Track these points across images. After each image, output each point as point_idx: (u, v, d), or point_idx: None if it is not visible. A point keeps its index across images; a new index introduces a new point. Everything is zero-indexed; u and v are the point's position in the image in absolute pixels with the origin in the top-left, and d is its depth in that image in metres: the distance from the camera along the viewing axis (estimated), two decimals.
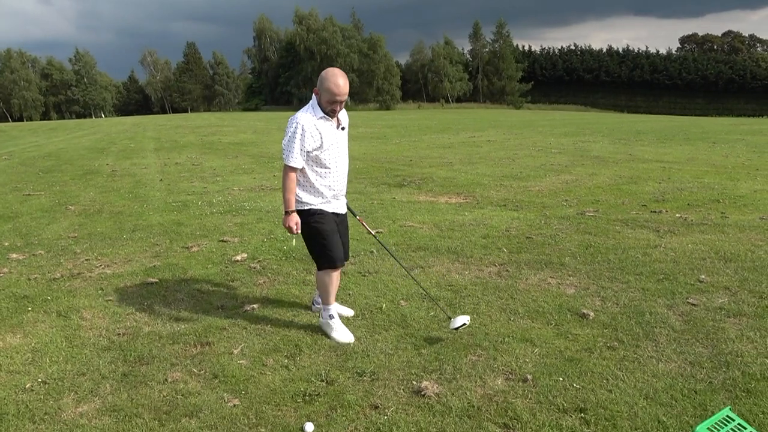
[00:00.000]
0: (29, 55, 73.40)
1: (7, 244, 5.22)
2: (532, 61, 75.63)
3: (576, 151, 12.37)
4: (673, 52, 78.16)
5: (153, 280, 3.98)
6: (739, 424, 1.75)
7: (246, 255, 4.55)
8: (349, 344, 2.86)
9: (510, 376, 2.50)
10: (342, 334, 2.92)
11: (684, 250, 4.34)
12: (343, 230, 3.09)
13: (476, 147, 13.98)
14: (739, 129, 20.69)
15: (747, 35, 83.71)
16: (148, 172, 10.47)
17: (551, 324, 3.04)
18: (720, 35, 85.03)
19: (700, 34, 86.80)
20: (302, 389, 2.44)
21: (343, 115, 2.91)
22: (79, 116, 70.79)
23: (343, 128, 2.92)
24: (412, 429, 2.14)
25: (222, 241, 5.08)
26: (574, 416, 2.18)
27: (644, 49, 78.34)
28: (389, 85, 65.54)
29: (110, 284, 3.93)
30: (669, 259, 4.12)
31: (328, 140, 2.80)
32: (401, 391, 2.41)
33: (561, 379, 2.45)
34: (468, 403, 2.30)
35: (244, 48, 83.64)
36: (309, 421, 2.20)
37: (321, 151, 2.80)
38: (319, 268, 2.98)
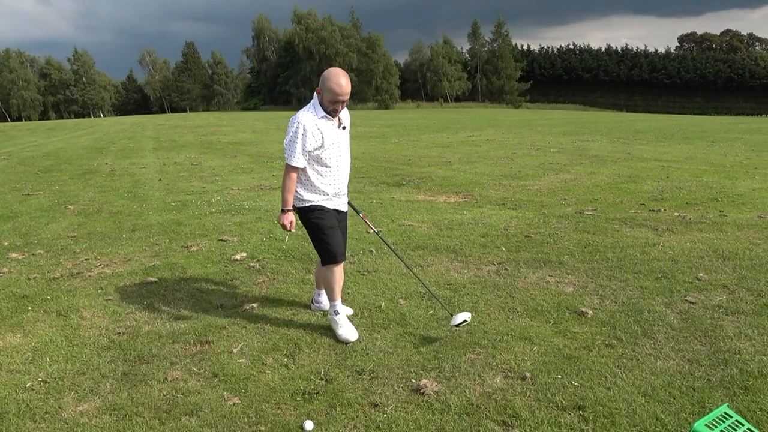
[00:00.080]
0: (28, 54, 73.39)
1: (6, 243, 5.22)
2: (531, 60, 75.65)
3: (575, 150, 12.38)
4: (672, 51, 78.27)
5: (152, 279, 3.99)
6: (736, 420, 1.76)
7: (245, 254, 4.56)
8: (351, 341, 2.87)
9: (509, 374, 2.51)
10: (348, 330, 2.92)
11: (682, 248, 4.36)
12: (343, 229, 3.10)
13: (475, 146, 13.99)
14: (738, 128, 20.73)
15: (746, 34, 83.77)
16: (147, 171, 10.47)
17: (550, 322, 3.05)
18: (719, 34, 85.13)
19: (699, 32, 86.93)
20: (302, 387, 2.45)
21: (344, 114, 2.91)
22: (77, 116, 70.71)
23: (344, 127, 2.92)
24: (411, 427, 2.15)
25: (221, 240, 5.08)
26: (572, 414, 2.19)
27: (643, 48, 78.28)
28: (388, 85, 65.53)
29: (110, 284, 3.93)
30: (667, 257, 4.13)
31: (329, 140, 2.81)
32: (400, 389, 2.42)
33: (559, 376, 2.46)
34: (467, 401, 2.30)
35: (243, 48, 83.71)
36: (308, 419, 2.20)
37: (322, 150, 2.81)
38: (323, 263, 3.01)
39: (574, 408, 2.22)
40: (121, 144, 17.67)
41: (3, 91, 68.46)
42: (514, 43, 74.06)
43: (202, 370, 2.63)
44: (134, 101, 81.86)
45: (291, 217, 2.88)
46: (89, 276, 4.13)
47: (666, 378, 2.42)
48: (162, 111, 75.59)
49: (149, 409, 2.32)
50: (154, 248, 4.88)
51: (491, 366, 2.58)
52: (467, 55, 75.01)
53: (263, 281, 3.90)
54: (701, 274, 3.72)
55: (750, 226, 5.03)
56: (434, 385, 2.42)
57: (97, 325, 3.21)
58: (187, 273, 4.13)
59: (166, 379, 2.56)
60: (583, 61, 75.16)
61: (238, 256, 4.48)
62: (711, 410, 2.07)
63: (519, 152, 12.24)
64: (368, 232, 5.12)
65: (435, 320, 3.11)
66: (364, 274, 3.95)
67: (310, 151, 2.79)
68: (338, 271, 2.97)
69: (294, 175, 2.82)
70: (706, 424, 1.72)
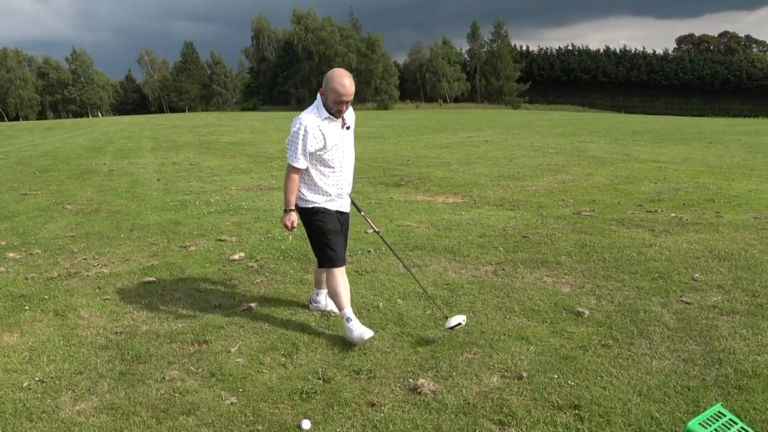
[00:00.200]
0: (25, 54, 73.17)
1: (4, 243, 5.22)
2: (530, 61, 75.74)
3: (573, 151, 12.41)
4: (670, 52, 78.46)
5: (150, 279, 3.99)
6: (730, 419, 1.77)
7: (243, 254, 4.56)
8: (367, 338, 2.76)
9: (505, 373, 2.52)
10: (362, 331, 2.80)
11: (679, 249, 4.38)
12: (345, 230, 3.11)
13: (474, 147, 14.01)
14: (735, 129, 20.80)
15: (743, 36, 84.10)
16: (145, 171, 10.46)
17: (547, 322, 3.06)
18: (716, 36, 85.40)
19: (697, 34, 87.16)
20: (299, 387, 2.45)
21: (349, 114, 2.89)
22: (75, 115, 70.57)
23: (348, 127, 2.91)
24: (408, 426, 2.16)
25: (219, 240, 5.09)
26: (568, 413, 2.20)
27: (641, 49, 78.60)
28: (387, 85, 65.51)
29: (108, 283, 3.93)
30: (664, 258, 4.15)
31: (331, 141, 2.80)
32: (398, 388, 2.43)
33: (556, 376, 2.47)
34: (464, 400, 2.31)
35: (242, 48, 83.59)
36: (306, 418, 2.21)
37: (325, 151, 2.80)
38: (320, 265, 3.01)
39: (570, 407, 2.24)
40: (119, 144, 17.64)
41: (0, 90, 68.27)
42: (513, 44, 74.15)
43: (199, 370, 2.64)
44: (133, 101, 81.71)
45: (293, 218, 2.88)
46: (87, 276, 4.13)
47: (661, 377, 2.44)
48: (160, 111, 75.47)
49: (146, 409, 2.32)
50: (152, 248, 4.88)
51: (488, 365, 2.59)
52: (466, 56, 75.08)
53: (261, 281, 3.90)
54: (697, 275, 3.74)
55: (746, 227, 5.06)
56: (431, 384, 2.43)
57: (94, 324, 3.22)
58: (186, 273, 4.13)
59: (163, 378, 2.56)
60: (582, 63, 75.30)
61: (236, 256, 4.48)
62: (705, 409, 2.08)
63: (517, 153, 12.26)
64: (367, 232, 5.13)
65: (432, 320, 3.12)
66: (362, 274, 3.96)
67: (312, 152, 2.78)
68: (341, 275, 2.92)
69: (295, 176, 2.82)
70: (700, 423, 1.73)
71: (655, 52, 76.42)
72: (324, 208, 2.91)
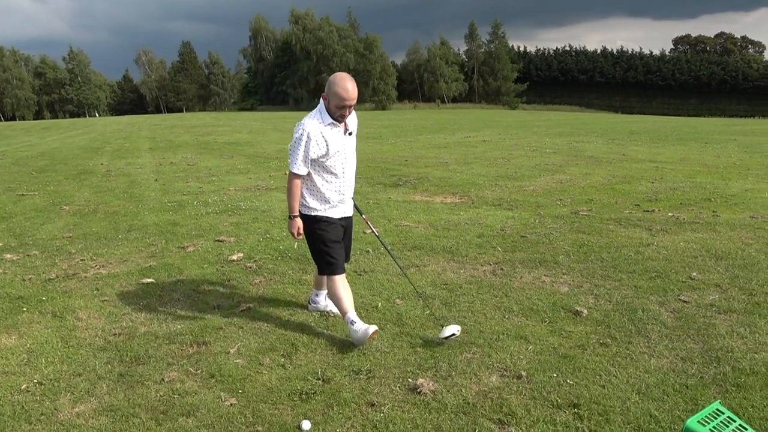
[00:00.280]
0: (22, 53, 72.95)
1: (0, 244, 5.20)
2: (528, 61, 75.86)
3: (570, 151, 12.44)
4: (667, 53, 78.72)
5: (149, 280, 3.98)
6: (728, 417, 1.78)
7: (242, 255, 4.56)
8: (372, 332, 2.73)
9: (504, 372, 2.53)
10: (365, 329, 2.77)
11: (676, 248, 4.39)
12: (348, 234, 3.10)
13: (472, 147, 14.03)
14: (731, 129, 20.88)
15: (739, 37, 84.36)
16: (143, 171, 10.43)
17: (545, 321, 3.07)
18: (713, 37, 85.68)
19: (694, 35, 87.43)
20: (299, 388, 2.45)
21: (351, 118, 2.87)
22: (72, 115, 70.36)
23: (350, 133, 2.89)
24: (408, 426, 2.16)
25: (218, 240, 5.08)
26: (567, 411, 2.21)
27: (638, 50, 78.79)
28: (385, 85, 65.49)
29: (106, 284, 3.92)
30: (661, 257, 4.17)
31: (334, 147, 2.79)
32: (397, 388, 2.43)
33: (555, 375, 2.48)
34: (463, 399, 2.32)
35: (240, 47, 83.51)
36: (306, 419, 2.21)
37: (327, 158, 2.80)
38: (320, 273, 3.01)
39: (569, 406, 2.24)
40: (116, 144, 17.59)
41: None
42: (510, 45, 74.31)
43: (198, 371, 2.63)
44: (130, 101, 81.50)
45: (299, 224, 2.86)
46: (85, 277, 4.12)
47: (659, 376, 2.45)
48: (158, 111, 75.30)
49: (146, 410, 2.32)
50: (150, 249, 4.87)
51: (487, 365, 2.60)
52: (464, 56, 75.14)
53: (260, 282, 3.90)
54: (694, 274, 3.75)
55: (742, 226, 5.08)
56: (431, 384, 2.43)
57: (93, 326, 3.21)
58: (184, 273, 4.13)
59: (162, 380, 2.56)
60: (579, 63, 75.47)
61: (234, 257, 4.48)
62: (704, 407, 2.09)
63: (515, 153, 12.28)
64: (365, 232, 5.13)
65: (431, 320, 3.12)
66: (360, 275, 3.96)
67: (314, 159, 2.78)
68: (341, 281, 2.91)
69: (297, 181, 2.82)
70: (698, 421, 1.74)
71: (652, 52, 76.78)
72: (327, 217, 2.89)
